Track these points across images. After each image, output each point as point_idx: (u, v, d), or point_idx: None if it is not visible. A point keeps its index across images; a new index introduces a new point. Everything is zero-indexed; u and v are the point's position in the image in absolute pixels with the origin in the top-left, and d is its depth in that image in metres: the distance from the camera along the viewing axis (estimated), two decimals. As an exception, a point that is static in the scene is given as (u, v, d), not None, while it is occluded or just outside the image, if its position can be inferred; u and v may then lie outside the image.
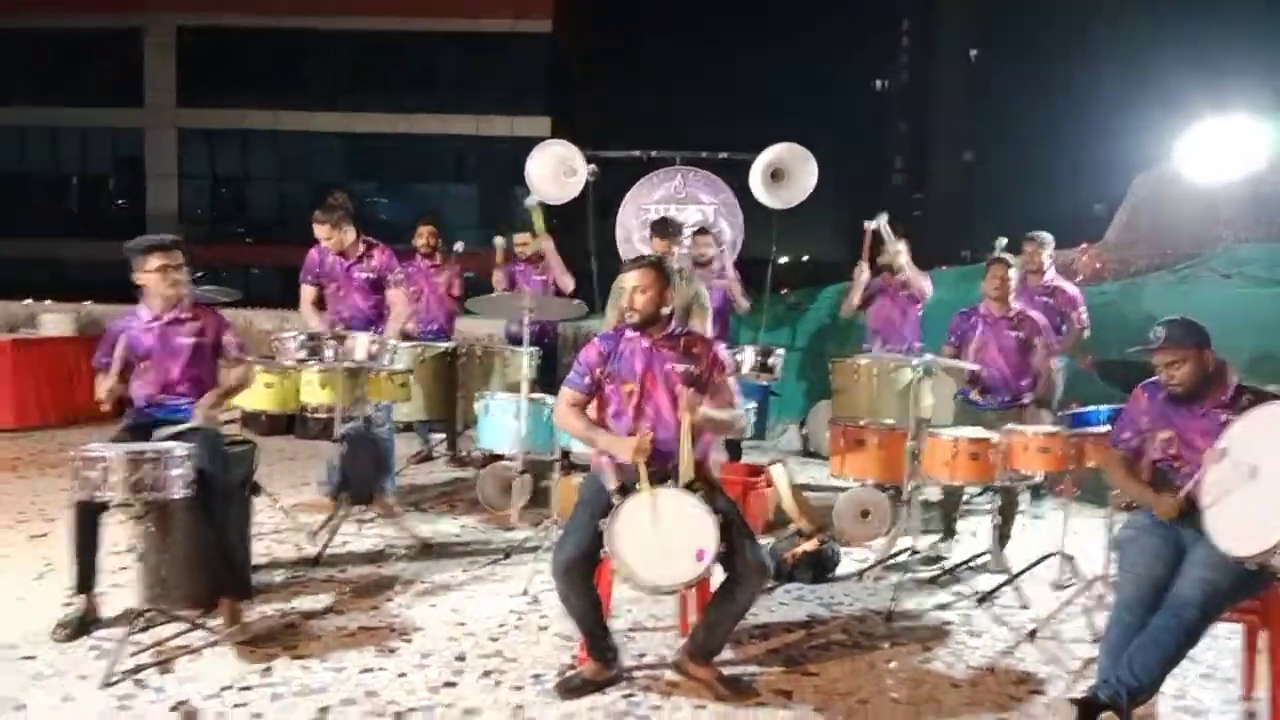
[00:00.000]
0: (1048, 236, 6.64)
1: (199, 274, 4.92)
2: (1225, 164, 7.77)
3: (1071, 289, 6.64)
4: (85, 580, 3.88)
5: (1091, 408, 4.72)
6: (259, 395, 5.34)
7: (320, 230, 5.69)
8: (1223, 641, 3.90)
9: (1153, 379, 3.66)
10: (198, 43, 28.38)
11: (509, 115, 27.91)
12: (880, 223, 6.85)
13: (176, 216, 29.16)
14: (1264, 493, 3.09)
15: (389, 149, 29.03)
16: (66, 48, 28.12)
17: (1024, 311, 5.55)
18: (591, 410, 3.82)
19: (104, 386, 4.05)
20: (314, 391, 5.24)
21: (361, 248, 5.74)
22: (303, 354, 4.88)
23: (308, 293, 5.84)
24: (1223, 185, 7.81)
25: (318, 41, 28.23)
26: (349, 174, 28.74)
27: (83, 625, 3.84)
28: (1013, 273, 5.52)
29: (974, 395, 5.53)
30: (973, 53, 69.85)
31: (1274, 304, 6.91)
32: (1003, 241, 6.44)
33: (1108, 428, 4.26)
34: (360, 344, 4.96)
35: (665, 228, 6.51)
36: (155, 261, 4.12)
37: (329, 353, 4.88)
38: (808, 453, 8.35)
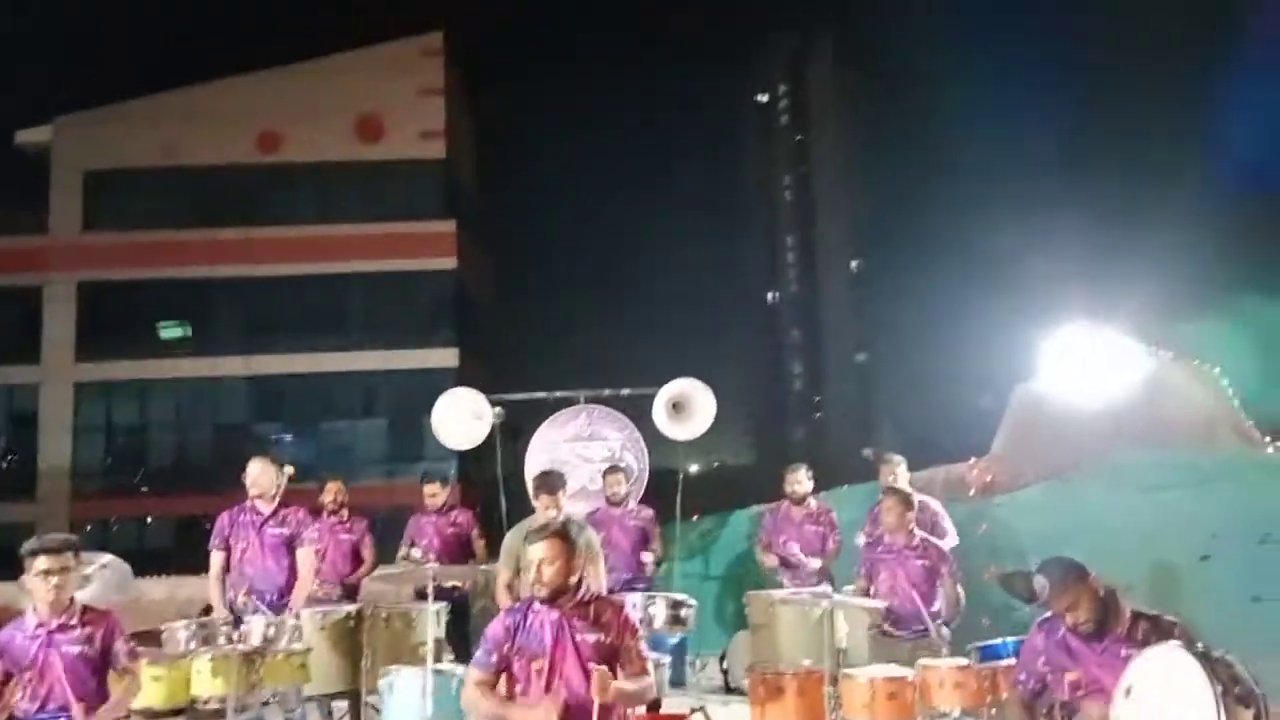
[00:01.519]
0: (899, 458, 7.01)
1: (87, 574, 4.74)
2: (1095, 375, 8.30)
3: (934, 504, 6.90)
4: None
5: (999, 640, 4.79)
6: (145, 690, 5.03)
7: (253, 468, 5.56)
8: None
9: (1048, 616, 3.77)
10: (98, 296, 28.40)
11: (417, 349, 28.31)
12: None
13: (69, 471, 28.15)
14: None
15: (294, 389, 28.94)
16: (-36, 306, 27.87)
17: (927, 540, 5.72)
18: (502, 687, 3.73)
19: None
20: (205, 681, 4.96)
21: (277, 503, 5.65)
22: (194, 644, 4.66)
23: (216, 561, 5.65)
24: (1096, 395, 8.31)
25: (220, 289, 28.54)
26: (252, 416, 28.41)
27: None
28: (914, 500, 5.73)
29: (887, 626, 5.60)
30: (854, 263, 74.36)
31: (1158, 511, 7.24)
32: (867, 452, 6.78)
33: (1014, 660, 4.33)
34: (256, 627, 4.79)
35: (549, 482, 6.31)
36: (40, 564, 3.98)
37: (222, 639, 4.69)
38: (729, 689, 8.15)
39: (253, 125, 28.63)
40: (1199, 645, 3.24)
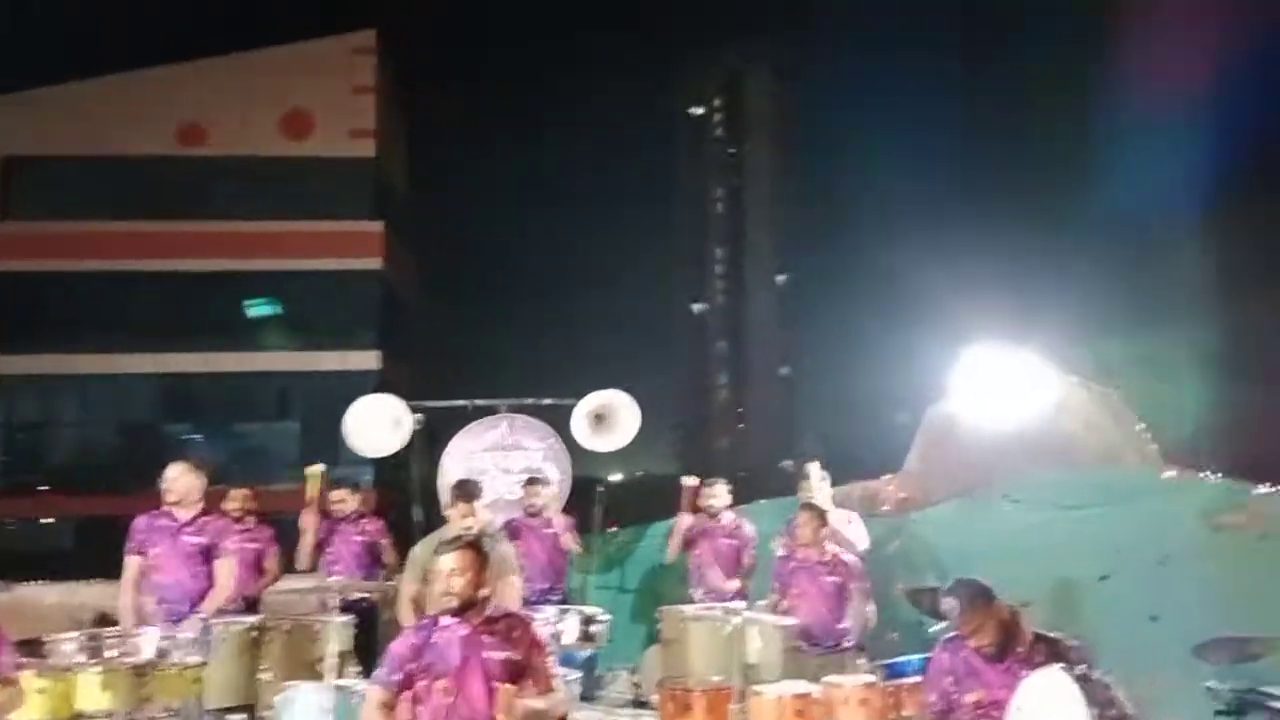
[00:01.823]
0: (817, 471, 7.13)
1: None
2: (1005, 396, 8.49)
3: (852, 514, 7.03)
4: None
5: (903, 658, 4.86)
6: (29, 704, 4.81)
7: (172, 472, 5.35)
8: None
9: (952, 636, 3.83)
10: (8, 288, 27.28)
11: (338, 350, 27.79)
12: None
13: (-38, 470, 27.04)
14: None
15: (207, 388, 28.17)
16: None
17: (839, 556, 5.79)
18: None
19: None
20: (92, 696, 4.74)
21: (198, 510, 5.46)
22: (82, 656, 4.47)
23: (131, 566, 5.43)
24: (1006, 416, 8.51)
25: (137, 284, 27.65)
26: (160, 415, 27.57)
27: None
28: (831, 517, 5.79)
29: (798, 642, 5.64)
30: (780, 278, 75.37)
31: (1064, 528, 7.43)
32: (788, 464, 6.90)
33: (919, 677, 4.39)
34: (149, 639, 4.62)
35: (466, 490, 6.26)
36: None
37: (111, 651, 4.51)
38: (639, 703, 8.12)
39: (176, 117, 27.87)
40: (1080, 669, 3.33)
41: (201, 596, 5.37)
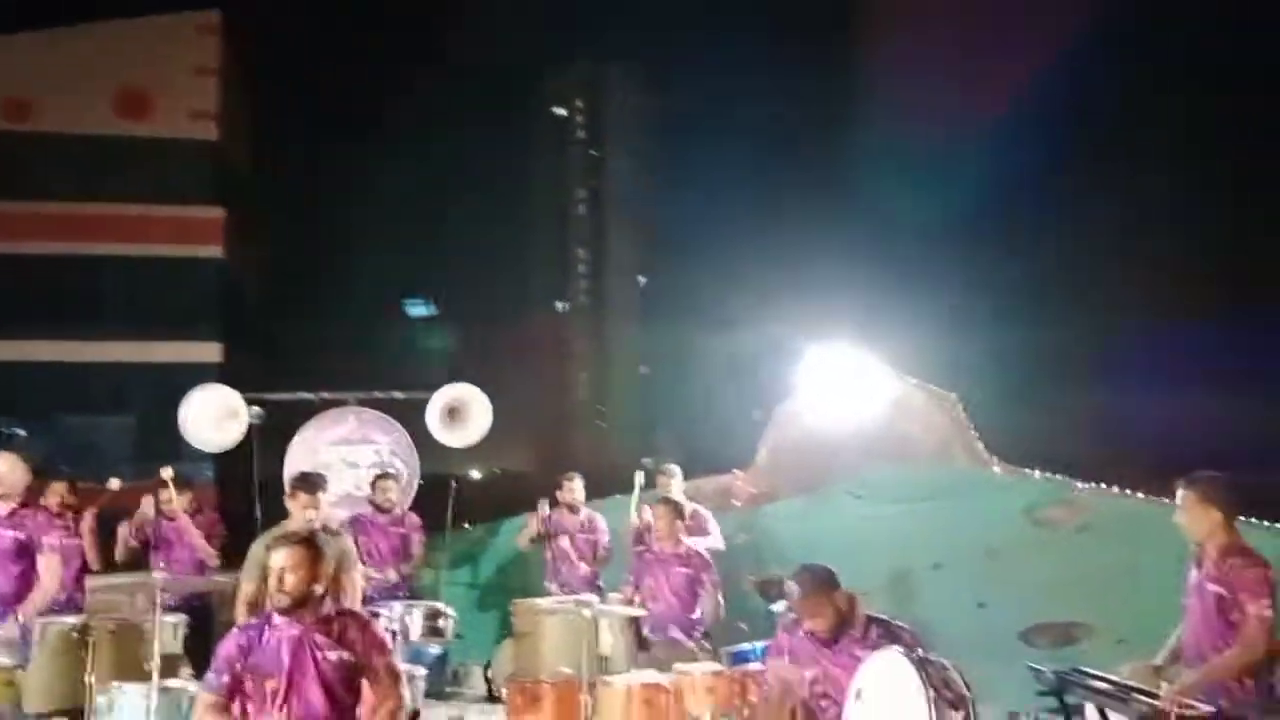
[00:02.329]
0: (676, 468, 7.34)
1: None
2: (847, 395, 8.83)
3: (703, 510, 7.18)
4: None
5: (748, 645, 4.98)
6: None
7: (12, 472, 4.96)
8: None
9: (791, 620, 3.94)
10: None
11: (177, 340, 26.44)
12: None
13: None
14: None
15: (34, 378, 26.30)
16: None
17: (693, 549, 5.89)
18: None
19: None
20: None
21: (14, 503, 5.07)
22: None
23: None
24: (848, 414, 8.85)
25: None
26: (-19, 406, 25.61)
27: None
28: (686, 509, 5.89)
29: (648, 633, 5.70)
30: (641, 279, 76.17)
31: (900, 520, 7.80)
32: (648, 461, 7.03)
33: (763, 664, 4.49)
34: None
35: (309, 481, 5.88)
36: None
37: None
38: (492, 698, 8.05)
39: (1, 91, 25.95)
40: (918, 652, 3.48)
41: (17, 595, 5.01)
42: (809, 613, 3.79)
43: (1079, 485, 8.02)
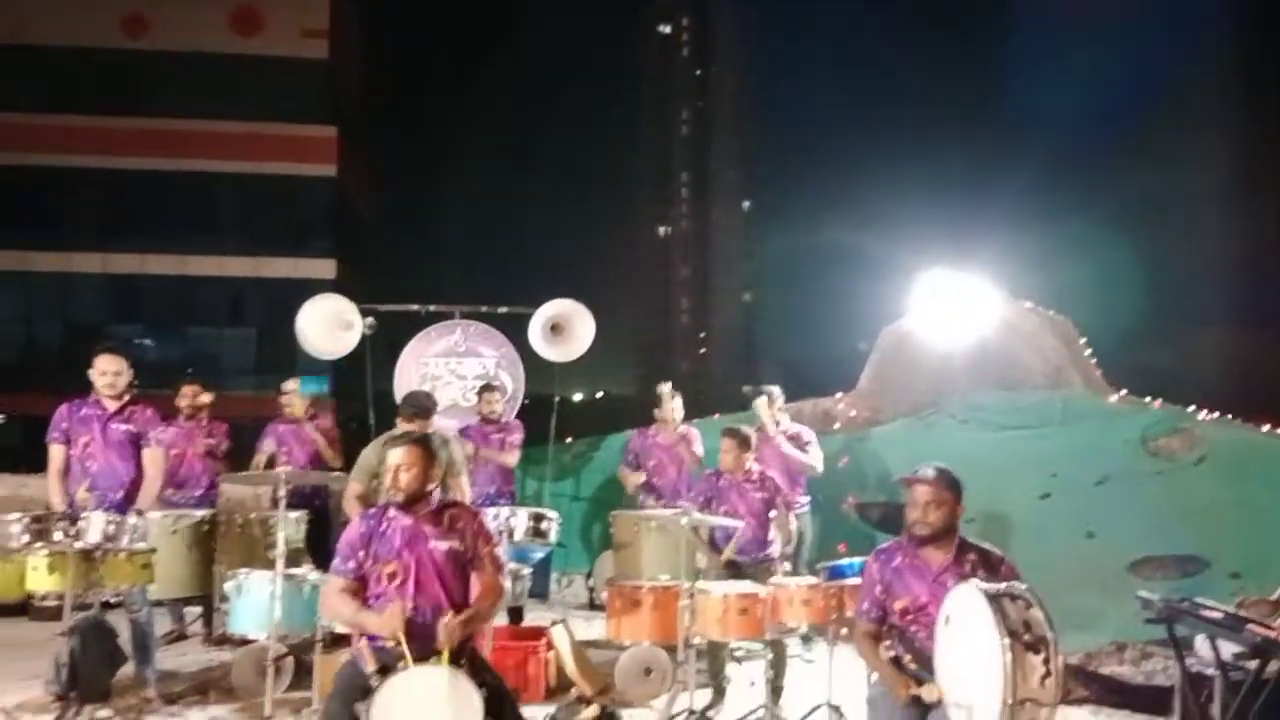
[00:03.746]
0: (776, 390, 7.19)
1: None
2: (957, 318, 8.59)
3: (807, 432, 7.13)
4: None
5: (845, 560, 4.96)
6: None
7: (110, 364, 5.27)
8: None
9: (882, 547, 3.88)
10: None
11: (291, 257, 27.26)
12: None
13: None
14: (977, 665, 3.27)
15: (156, 290, 27.57)
16: None
17: (765, 472, 5.87)
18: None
19: None
20: (41, 577, 4.74)
21: (126, 399, 5.37)
22: (27, 537, 4.44)
23: (56, 455, 5.30)
24: (956, 338, 8.62)
25: (75, 180, 26.74)
26: (111, 316, 27.00)
27: None
28: (752, 441, 5.84)
29: (727, 554, 5.70)
30: (745, 204, 75.02)
31: (1002, 446, 7.61)
32: (747, 389, 7.02)
33: (858, 579, 4.47)
34: (95, 524, 4.59)
35: (419, 406, 5.93)
36: None
37: (58, 534, 4.48)
38: (594, 605, 8.28)
39: (117, 6, 26.71)
40: (999, 587, 3.37)
41: (134, 485, 5.30)
42: (928, 495, 3.69)
43: (1199, 414, 7.69)
